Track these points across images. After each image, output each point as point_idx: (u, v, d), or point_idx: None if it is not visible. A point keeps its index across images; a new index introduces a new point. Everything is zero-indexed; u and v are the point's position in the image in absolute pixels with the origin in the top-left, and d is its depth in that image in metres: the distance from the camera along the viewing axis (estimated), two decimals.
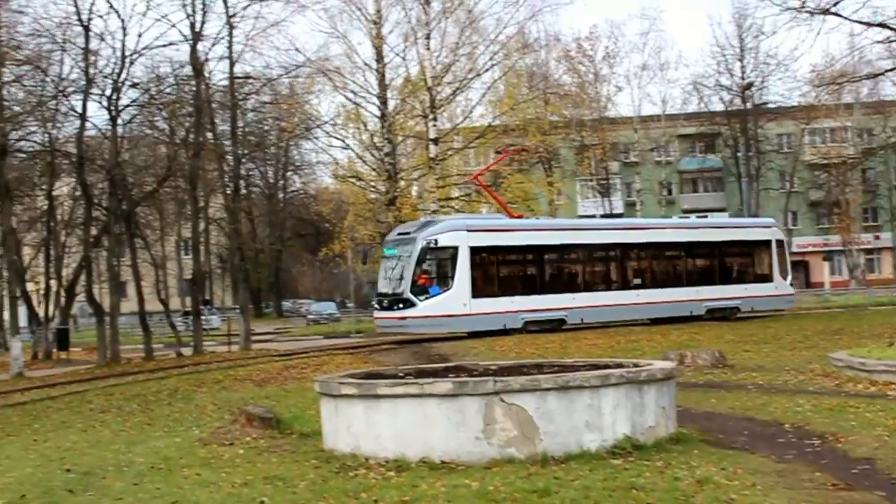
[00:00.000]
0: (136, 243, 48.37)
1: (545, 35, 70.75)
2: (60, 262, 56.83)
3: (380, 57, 54.51)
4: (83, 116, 43.95)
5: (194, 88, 47.14)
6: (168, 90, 47.86)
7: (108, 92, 43.71)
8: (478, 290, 42.31)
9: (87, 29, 43.03)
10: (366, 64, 54.99)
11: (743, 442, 14.12)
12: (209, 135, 51.05)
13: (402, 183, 55.40)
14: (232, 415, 17.46)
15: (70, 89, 45.45)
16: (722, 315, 48.58)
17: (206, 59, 49.15)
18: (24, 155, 49.47)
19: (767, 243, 52.56)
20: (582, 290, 46.13)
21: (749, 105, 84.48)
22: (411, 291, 41.05)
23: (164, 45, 69.32)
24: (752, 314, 49.68)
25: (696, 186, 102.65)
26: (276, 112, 61.52)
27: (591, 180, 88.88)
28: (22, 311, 50.40)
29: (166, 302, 51.95)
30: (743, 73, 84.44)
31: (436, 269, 42.55)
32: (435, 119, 54.47)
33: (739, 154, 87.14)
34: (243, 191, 64.36)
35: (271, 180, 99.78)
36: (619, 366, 14.70)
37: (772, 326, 40.72)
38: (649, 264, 49.66)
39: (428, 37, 54.51)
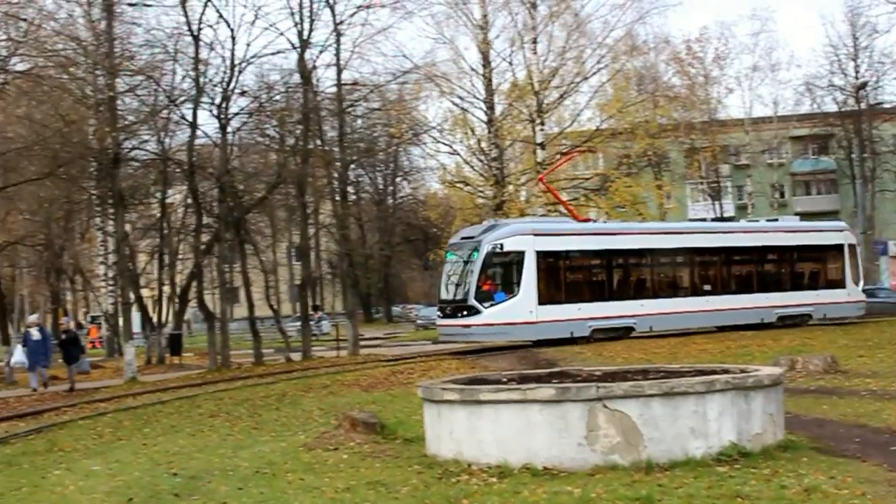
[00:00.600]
0: (247, 249, 48.93)
1: (654, 37, 70.12)
2: (173, 269, 57.74)
3: (486, 62, 54.47)
4: (193, 125, 44.61)
5: (302, 96, 47.51)
6: (276, 98, 48.33)
7: (217, 101, 44.28)
8: (544, 297, 40.79)
9: (197, 39, 43.68)
10: (472, 69, 55.00)
11: (854, 450, 13.75)
12: (318, 141, 51.51)
13: (510, 188, 55.22)
14: (337, 420, 17.52)
15: (181, 99, 46.15)
16: (793, 323, 46.61)
17: (314, 67, 49.53)
18: (137, 163, 50.29)
19: (840, 248, 50.57)
20: (650, 296, 44.48)
21: (863, 105, 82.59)
22: (476, 298, 39.68)
23: (273, 54, 70.20)
24: (824, 321, 47.27)
25: (809, 189, 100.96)
26: (384, 118, 61.76)
27: (702, 183, 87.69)
28: (136, 316, 51.37)
29: (275, 307, 52.43)
30: (857, 72, 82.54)
31: (501, 274, 41.28)
32: (542, 123, 54.31)
33: (854, 155, 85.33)
34: (352, 197, 64.79)
35: (381, 186, 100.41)
36: (726, 371, 14.47)
37: (887, 331, 39.77)
38: (719, 270, 47.73)
39: (535, 41, 54.42)
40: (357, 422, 16.82)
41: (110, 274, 53.71)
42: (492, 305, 39.60)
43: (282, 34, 49.53)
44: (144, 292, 58.16)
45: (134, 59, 44.50)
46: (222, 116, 44.03)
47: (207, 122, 78.08)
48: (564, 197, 57.90)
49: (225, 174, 43.26)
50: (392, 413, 19.47)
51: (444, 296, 42.43)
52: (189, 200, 48.12)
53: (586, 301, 42.08)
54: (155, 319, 53.42)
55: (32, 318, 34.13)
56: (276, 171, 49.83)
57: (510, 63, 55.92)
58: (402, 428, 16.94)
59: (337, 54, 50.87)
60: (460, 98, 55.16)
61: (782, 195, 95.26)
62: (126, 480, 14.27)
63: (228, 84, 44.26)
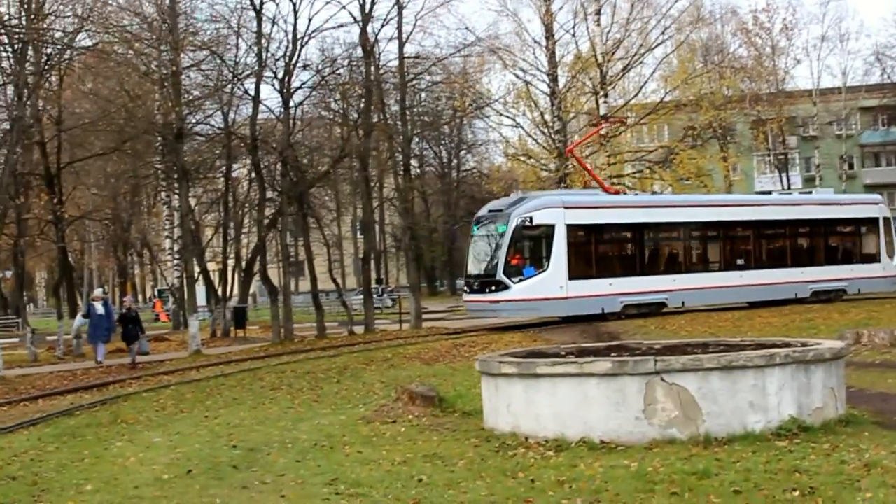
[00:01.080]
0: (310, 223, 49.09)
1: (720, 7, 69.71)
2: (239, 243, 58.13)
3: (550, 34, 54.13)
4: (256, 99, 44.73)
5: (364, 70, 47.52)
6: (339, 72, 48.36)
7: (280, 75, 44.38)
8: (574, 272, 39.46)
9: (259, 13, 43.79)
10: (535, 41, 54.72)
11: None
12: (381, 115, 51.57)
13: (573, 160, 54.93)
14: (396, 393, 17.55)
15: (244, 73, 46.31)
16: (827, 298, 45.31)
17: (376, 40, 49.46)
18: (202, 138, 50.61)
19: (875, 221, 49.26)
20: (683, 271, 43.34)
21: None
22: (504, 273, 38.50)
23: (335, 28, 70.48)
24: (859, 296, 46.24)
25: (879, 160, 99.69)
26: (448, 91, 61.72)
27: (769, 155, 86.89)
28: (200, 290, 51.75)
29: (337, 281, 52.58)
30: None
31: (530, 248, 40.05)
32: (606, 96, 53.99)
33: None
34: (416, 171, 64.72)
35: (445, 160, 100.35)
36: (787, 345, 14.31)
37: None
38: (752, 244, 46.43)
39: (598, 12, 54.00)
40: (416, 395, 16.84)
41: (175, 248, 54.14)
42: (521, 281, 38.65)
43: (344, 8, 49.74)
44: (210, 266, 58.60)
45: (198, 34, 44.70)
46: (285, 91, 44.09)
47: (270, 97, 78.10)
48: (628, 170, 57.62)
49: (287, 148, 43.35)
50: (452, 386, 19.47)
51: (471, 270, 41.36)
52: (253, 175, 48.29)
53: (617, 276, 41.25)
54: (220, 293, 53.73)
55: (98, 291, 34.06)
56: (339, 146, 49.92)
57: (573, 35, 55.64)
58: (461, 401, 16.94)
59: (399, 27, 50.93)
60: (523, 71, 54.95)
61: (851, 167, 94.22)
62: (186, 452, 14.38)
63: (291, 58, 44.30)
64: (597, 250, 41.87)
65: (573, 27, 55.49)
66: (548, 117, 54.86)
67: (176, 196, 49.48)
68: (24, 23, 34.58)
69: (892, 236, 49.94)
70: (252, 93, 45.39)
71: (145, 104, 44.34)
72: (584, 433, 12.83)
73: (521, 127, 57.44)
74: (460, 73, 59.16)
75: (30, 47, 35.78)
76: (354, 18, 47.75)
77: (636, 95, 57.76)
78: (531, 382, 13.56)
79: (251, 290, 65.15)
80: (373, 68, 48.57)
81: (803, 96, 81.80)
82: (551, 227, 38.97)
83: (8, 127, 35.79)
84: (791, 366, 13.00)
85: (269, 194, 47.89)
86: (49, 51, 38.27)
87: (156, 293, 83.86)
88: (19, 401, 24.17)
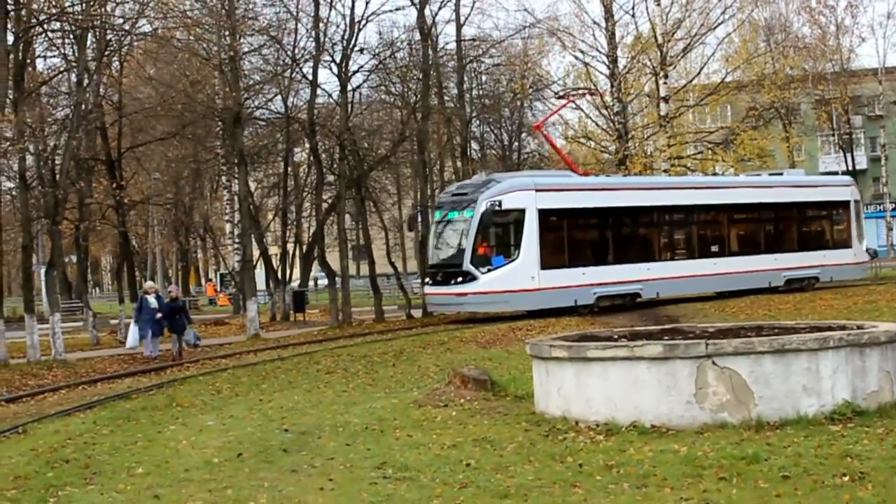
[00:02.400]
0: (369, 207, 49.19)
1: None
2: (299, 226, 58.37)
3: (609, 14, 53.83)
4: (314, 84, 44.90)
5: (422, 53, 47.56)
6: (397, 55, 48.44)
7: (338, 59, 44.47)
8: (547, 261, 36.57)
9: None
10: (595, 22, 54.48)
11: None
12: (440, 98, 51.55)
13: (633, 142, 54.61)
14: (448, 377, 17.53)
15: (303, 57, 46.48)
16: (799, 287, 43.37)
17: (434, 23, 49.49)
18: (261, 123, 50.86)
19: (846, 204, 46.84)
20: (657, 258, 40.79)
21: None
22: (472, 263, 35.63)
23: (392, 10, 70.44)
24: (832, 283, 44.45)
25: None
26: (508, 74, 61.61)
27: (832, 135, 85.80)
28: (260, 274, 52.02)
29: (395, 265, 52.69)
30: None
31: (499, 235, 37.26)
32: (666, 76, 53.61)
33: None
34: (476, 154, 64.64)
35: (505, 143, 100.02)
36: (842, 328, 14.11)
37: None
38: (726, 229, 43.87)
39: None
40: (468, 378, 16.81)
41: (236, 232, 54.44)
42: (489, 271, 35.88)
43: None
44: (271, 250, 58.90)
45: (257, 18, 44.98)
46: (343, 74, 44.18)
47: (328, 81, 78.41)
48: (689, 151, 57.15)
49: (345, 132, 43.43)
50: (506, 370, 19.46)
51: (433, 260, 38.68)
52: (311, 159, 48.47)
53: (590, 265, 38.48)
54: (280, 276, 53.98)
55: (150, 283, 33.24)
56: (397, 129, 50.00)
57: (633, 15, 55.22)
58: (514, 385, 16.89)
59: (457, 10, 51.01)
60: (583, 52, 54.72)
61: None
62: (238, 436, 14.46)
63: (349, 42, 44.40)
64: (570, 237, 39.13)
65: (633, 7, 55.09)
66: (607, 99, 54.61)
67: (236, 180, 49.72)
68: (84, 9, 34.78)
69: (861, 220, 48.15)
70: (310, 77, 45.64)
71: (205, 89, 44.64)
72: (634, 417, 12.75)
73: (581, 109, 57.19)
74: (519, 55, 59.02)
75: (90, 33, 36.03)
76: (412, 1, 47.78)
77: (697, 76, 57.32)
78: (582, 366, 13.49)
79: (313, 274, 65.48)
80: (431, 51, 48.61)
81: (868, 75, 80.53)
82: (522, 212, 36.31)
83: (69, 112, 36.06)
84: (845, 349, 12.81)
85: (327, 178, 48.10)
86: (110, 37, 38.51)
87: (217, 277, 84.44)
88: (78, 384, 24.43)
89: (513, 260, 36.26)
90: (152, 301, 29.96)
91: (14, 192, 38.98)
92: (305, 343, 32.56)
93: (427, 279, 38.81)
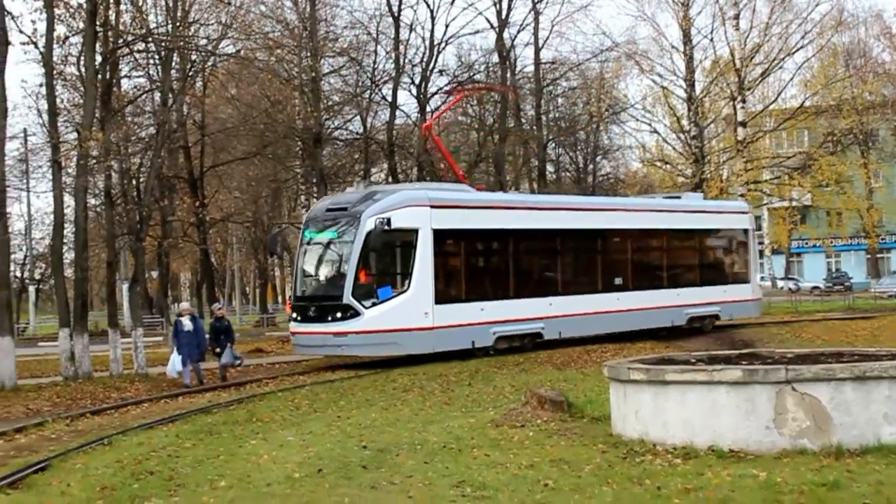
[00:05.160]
0: None
1: (863, 11, 68.46)
2: None
3: (687, 39, 53.91)
4: (393, 105, 45.31)
5: (500, 75, 47.79)
6: (475, 77, 48.66)
7: (417, 80, 44.79)
8: (442, 294, 30.29)
9: (397, 20, 44.45)
10: (673, 46, 54.69)
11: None
12: (517, 120, 51.75)
13: (710, 166, 54.45)
14: (525, 397, 17.52)
15: (382, 79, 46.86)
16: (700, 326, 38.75)
17: (513, 46, 49.84)
18: (341, 143, 51.29)
19: (745, 233, 41.84)
20: (560, 292, 34.32)
21: None
22: (354, 295, 28.72)
23: (471, 34, 70.73)
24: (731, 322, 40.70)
25: None
26: (585, 96, 61.67)
27: None
28: None
29: None
30: None
31: (387, 261, 30.31)
32: (744, 101, 53.61)
33: None
34: (552, 176, 64.74)
35: (580, 165, 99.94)
36: None
37: None
38: (630, 258, 37.68)
39: (737, 17, 53.77)
40: (545, 399, 16.78)
41: None
42: (375, 305, 28.94)
43: (480, 14, 50.20)
44: None
45: (337, 40, 45.52)
46: (421, 96, 44.54)
47: (407, 102, 78.90)
48: (766, 176, 56.74)
49: (423, 153, 43.69)
50: (582, 391, 19.41)
51: (302, 290, 31.46)
52: (390, 179, 48.80)
53: (490, 299, 32.04)
54: None
55: (185, 305, 30.69)
56: (475, 150, 50.17)
57: (711, 40, 55.41)
58: (590, 406, 16.84)
59: (535, 33, 51.27)
60: (660, 76, 54.93)
61: None
62: (317, 451, 14.53)
63: (428, 64, 44.86)
64: (467, 264, 32.79)
65: (711, 32, 55.49)
66: (684, 123, 54.55)
67: (314, 199, 50.12)
68: (169, 31, 35.32)
69: (756, 251, 44.42)
70: (389, 98, 46.07)
71: (286, 109, 45.12)
72: (712, 441, 12.66)
73: (658, 132, 57.21)
74: (597, 79, 59.08)
75: (175, 54, 36.55)
76: (491, 24, 48.20)
77: (775, 101, 57.09)
78: (660, 389, 13.44)
79: None
80: (509, 73, 48.86)
81: None
82: (414, 233, 29.64)
83: (154, 131, 36.58)
84: None
85: None
86: (193, 57, 39.09)
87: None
88: (160, 398, 24.67)
89: (403, 292, 29.59)
90: (187, 324, 27.46)
91: (99, 209, 39.56)
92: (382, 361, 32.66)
93: (295, 314, 30.97)
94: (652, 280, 37.95)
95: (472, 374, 25.94)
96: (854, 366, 12.75)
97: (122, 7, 32.47)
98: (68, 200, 32.34)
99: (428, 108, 46.01)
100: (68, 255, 35.04)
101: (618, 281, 36.32)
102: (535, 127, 54.00)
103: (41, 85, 31.25)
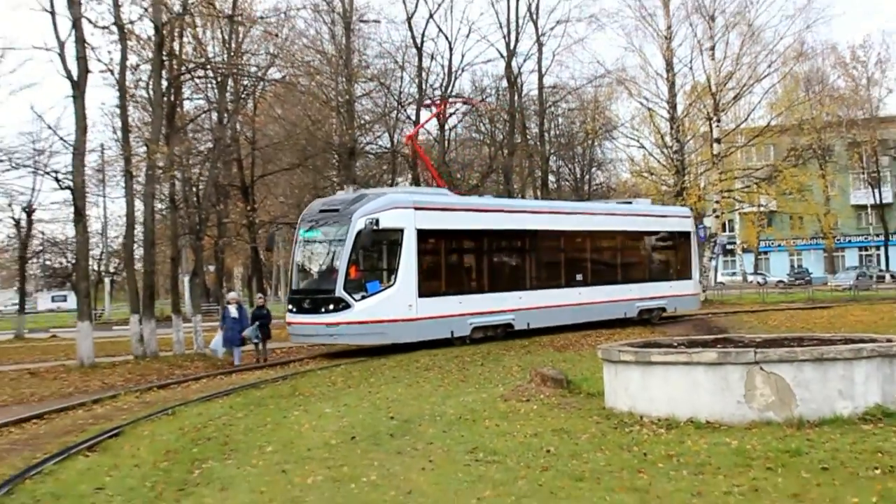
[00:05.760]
0: None
1: (821, 43, 68.25)
2: None
3: (670, 67, 53.77)
4: (417, 123, 45.22)
5: (509, 98, 47.80)
6: (487, 99, 48.68)
7: (436, 102, 44.78)
8: (425, 288, 29.03)
9: (420, 50, 44.48)
10: (657, 73, 54.46)
11: None
12: (523, 137, 51.77)
13: (689, 176, 54.33)
14: (529, 375, 17.50)
15: (407, 101, 46.93)
16: (648, 318, 37.77)
17: (519, 73, 49.78)
18: (371, 156, 51.33)
19: (687, 235, 40.80)
20: (528, 287, 33.18)
21: None
22: (345, 289, 27.41)
23: (484, 62, 70.49)
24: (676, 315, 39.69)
25: None
26: (581, 116, 61.70)
27: (863, 173, 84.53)
28: None
29: None
30: None
31: (376, 258, 28.90)
32: (718, 120, 53.38)
33: None
34: (553, 184, 64.76)
35: (578, 176, 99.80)
36: (873, 340, 13.87)
37: None
38: (589, 257, 36.45)
39: (713, 48, 53.53)
40: (547, 377, 16.75)
41: None
42: (364, 298, 27.67)
43: (492, 45, 50.28)
44: None
45: (368, 68, 45.48)
46: (441, 115, 44.45)
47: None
48: (738, 185, 56.57)
49: (442, 165, 43.69)
50: (579, 371, 19.33)
51: (298, 284, 29.87)
52: (414, 187, 48.85)
53: (467, 292, 30.94)
54: None
55: (232, 294, 30.48)
56: (486, 163, 50.16)
57: (690, 68, 55.30)
58: (586, 384, 16.77)
59: (539, 62, 51.17)
60: (646, 99, 54.70)
61: None
62: (351, 422, 14.53)
63: (446, 88, 44.85)
64: (447, 261, 31.32)
65: (690, 61, 55.42)
66: (667, 139, 54.45)
67: None
68: (225, 59, 35.40)
69: (696, 251, 42.81)
70: (413, 117, 45.93)
71: (324, 127, 45.18)
72: (691, 414, 12.64)
73: (644, 147, 57.10)
74: (592, 101, 59.09)
75: (230, 80, 36.62)
76: (501, 54, 48.31)
77: (745, 120, 56.97)
78: (646, 369, 13.41)
79: None
80: (516, 96, 48.82)
81: (895, 121, 79.44)
82: (400, 232, 28.52)
83: (211, 146, 36.65)
84: (877, 359, 12.60)
85: None
86: (245, 82, 39.14)
87: None
88: (216, 374, 24.73)
89: (389, 286, 28.30)
90: (233, 311, 27.64)
91: (165, 212, 39.62)
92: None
93: (291, 306, 29.37)
94: (608, 276, 36.84)
95: (485, 356, 25.87)
96: (813, 349, 12.73)
97: (185, 39, 32.60)
98: (138, 205, 32.37)
99: (446, 126, 46.15)
100: (138, 252, 35.02)
101: (579, 277, 35.34)
102: (538, 142, 54.00)
103: (116, 106, 31.48)
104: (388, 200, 28.68)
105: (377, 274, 28.49)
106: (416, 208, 29.02)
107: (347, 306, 27.37)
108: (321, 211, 29.48)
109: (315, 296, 28.30)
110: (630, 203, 41.66)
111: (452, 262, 31.57)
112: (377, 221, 27.62)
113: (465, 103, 48.19)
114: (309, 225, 29.33)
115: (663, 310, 38.74)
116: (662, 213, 41.71)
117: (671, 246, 40.39)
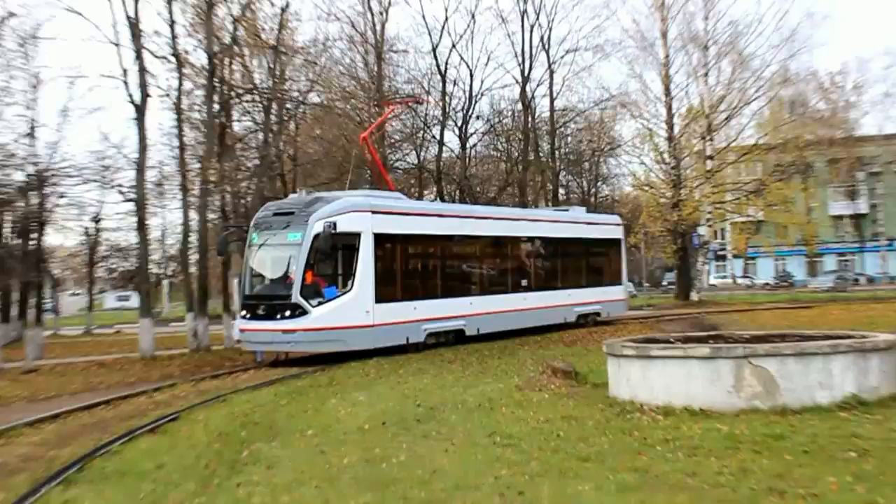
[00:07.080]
0: None
1: (804, 70, 67.88)
2: None
3: (667, 91, 53.72)
4: (441, 142, 45.49)
5: (523, 119, 47.86)
6: (504, 121, 48.75)
7: (459, 123, 44.91)
8: (381, 294, 25.76)
9: (444, 77, 44.52)
10: (656, 97, 54.41)
11: None
12: (536, 154, 51.84)
13: (685, 189, 54.18)
14: (541, 368, 17.51)
15: (432, 122, 46.98)
16: (584, 322, 35.29)
17: (533, 97, 49.83)
18: (400, 171, 51.42)
19: (618, 242, 38.29)
20: (478, 292, 30.37)
21: None
22: (302, 294, 23.92)
23: (501, 87, 70.51)
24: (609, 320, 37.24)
25: None
26: (588, 136, 61.74)
27: (841, 187, 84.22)
28: None
29: None
30: None
31: (332, 263, 25.20)
32: (711, 139, 53.35)
33: None
34: (563, 197, 64.76)
35: (585, 189, 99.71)
36: (850, 337, 13.85)
37: None
38: (533, 263, 33.81)
39: (706, 74, 53.60)
40: (557, 369, 16.78)
41: None
42: (321, 304, 24.24)
43: (508, 72, 50.25)
44: None
45: (398, 93, 45.52)
46: (462, 135, 44.58)
47: (451, 140, 79.19)
48: (728, 197, 56.34)
49: (464, 179, 43.78)
50: (586, 364, 19.30)
51: (251, 290, 25.47)
52: (438, 199, 48.94)
53: (421, 298, 27.71)
54: None
55: None
56: (503, 177, 50.19)
57: (686, 92, 55.35)
58: (592, 375, 16.78)
59: (550, 87, 51.29)
60: (646, 120, 54.64)
61: None
62: (382, 409, 14.56)
63: (467, 111, 44.97)
64: (403, 267, 27.90)
65: (686, 86, 55.30)
66: (665, 156, 54.35)
67: None
68: (270, 85, 35.57)
69: (625, 257, 39.61)
70: (438, 137, 46.05)
71: (358, 146, 45.21)
72: (686, 403, 12.62)
73: (645, 163, 57.01)
74: (598, 122, 59.13)
75: (274, 103, 36.78)
76: (516, 80, 48.43)
77: (736, 139, 56.81)
78: (646, 362, 13.42)
79: None
80: (530, 118, 48.87)
81: (870, 140, 79.13)
82: (357, 237, 25.17)
83: (258, 162, 36.80)
84: (853, 353, 12.59)
85: None
86: (288, 106, 39.28)
87: None
88: (262, 366, 24.77)
89: (346, 292, 24.95)
90: None
91: (216, 222, 39.82)
92: None
93: (244, 312, 25.10)
94: (549, 282, 34.12)
95: (502, 350, 25.87)
96: (796, 344, 12.74)
97: (234, 67, 32.81)
98: (193, 215, 32.55)
99: (467, 144, 46.20)
100: (193, 257, 35.22)
101: (523, 283, 32.66)
102: (550, 159, 54.10)
103: (173, 127, 31.65)
104: (346, 204, 25.32)
105: (334, 279, 25.14)
106: (374, 212, 25.90)
107: (304, 312, 23.95)
108: (276, 214, 25.67)
109: (270, 301, 24.55)
110: (567, 210, 39.02)
111: (407, 267, 28.33)
112: (335, 225, 24.16)
113: (417, 102, 44.61)
114: (263, 228, 25.52)
115: (598, 314, 36.38)
116: (596, 220, 38.71)
117: (604, 252, 37.82)
